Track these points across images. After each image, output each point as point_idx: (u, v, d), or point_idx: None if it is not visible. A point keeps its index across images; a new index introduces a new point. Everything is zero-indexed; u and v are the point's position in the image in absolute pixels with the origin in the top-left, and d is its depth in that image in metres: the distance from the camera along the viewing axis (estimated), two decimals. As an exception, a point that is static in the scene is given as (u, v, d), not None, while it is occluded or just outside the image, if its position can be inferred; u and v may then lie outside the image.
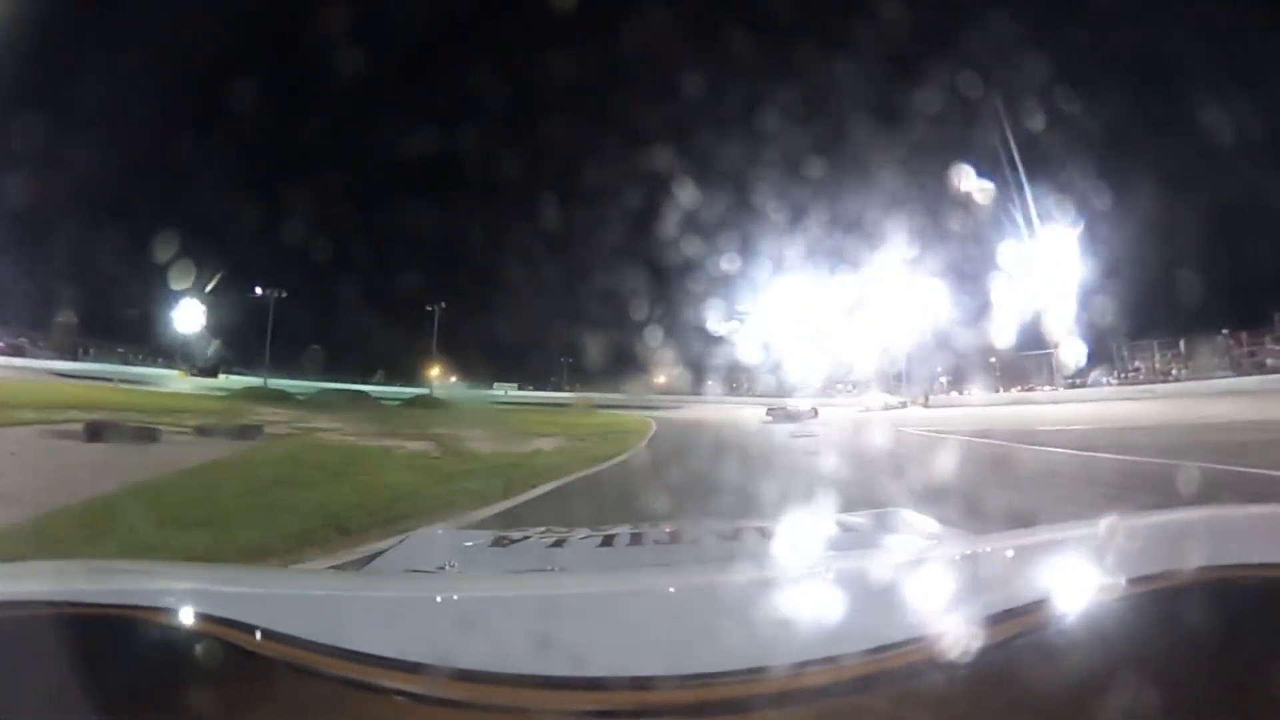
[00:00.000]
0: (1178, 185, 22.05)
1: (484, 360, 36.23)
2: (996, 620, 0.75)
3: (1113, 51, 23.69)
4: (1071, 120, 21.53)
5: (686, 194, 21.99)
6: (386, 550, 1.90)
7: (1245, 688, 0.66)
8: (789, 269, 28.81)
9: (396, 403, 31.32)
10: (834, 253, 27.17)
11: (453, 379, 38.08)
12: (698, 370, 33.97)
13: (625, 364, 32.49)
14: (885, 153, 22.90)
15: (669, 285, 25.45)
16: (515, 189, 29.01)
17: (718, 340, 28.18)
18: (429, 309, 33.99)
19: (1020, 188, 25.75)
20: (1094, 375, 30.57)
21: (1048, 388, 31.60)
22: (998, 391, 33.71)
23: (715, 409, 31.10)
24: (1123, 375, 30.45)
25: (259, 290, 30.70)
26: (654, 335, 26.01)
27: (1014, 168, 25.09)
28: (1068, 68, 21.73)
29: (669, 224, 22.51)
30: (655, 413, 29.68)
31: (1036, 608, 0.79)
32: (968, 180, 25.41)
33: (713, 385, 34.83)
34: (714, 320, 27.32)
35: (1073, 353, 28.27)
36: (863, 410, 31.26)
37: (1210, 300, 22.55)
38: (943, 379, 35.30)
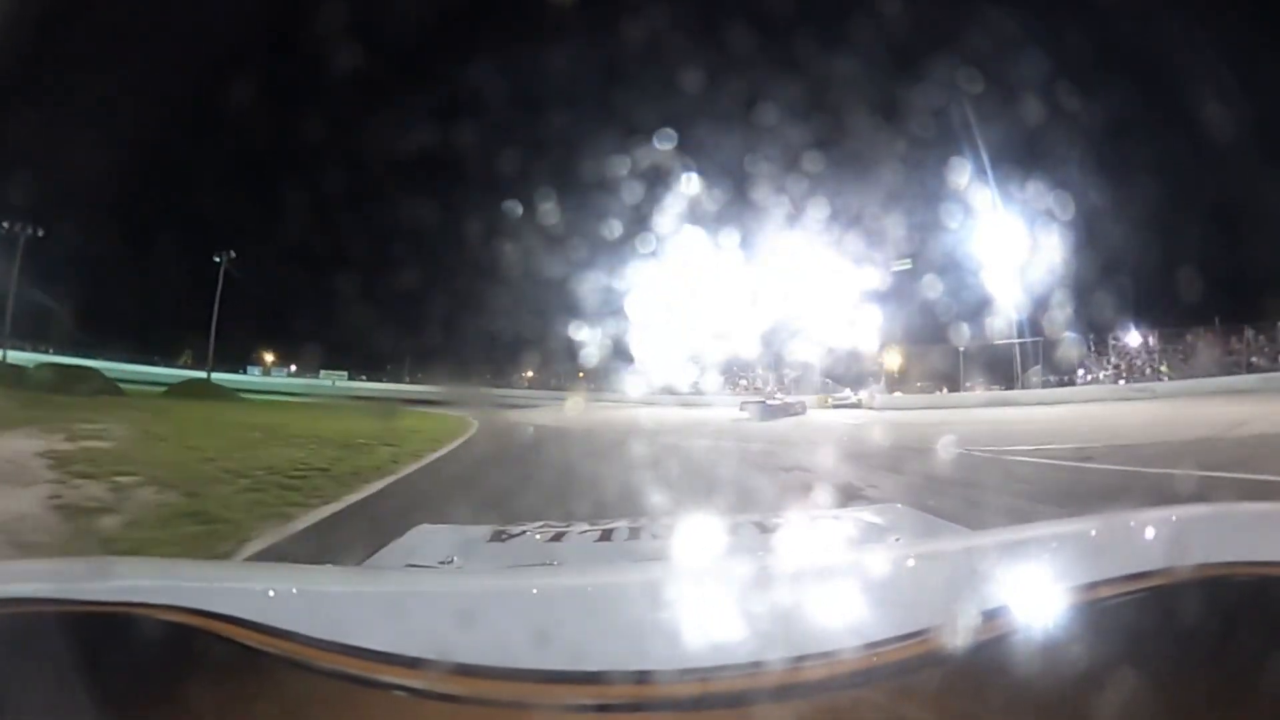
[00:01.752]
0: (1162, 178, 20.23)
1: (318, 343, 28.65)
2: (994, 615, 0.75)
3: (1070, 36, 22.46)
4: (1039, 103, 19.78)
5: (567, 157, 19.05)
6: (387, 546, 1.91)
7: (1243, 684, 0.67)
8: (701, 245, 22.44)
9: (159, 389, 24.43)
10: (754, 230, 21.98)
11: (289, 366, 32.34)
12: (574, 365, 27.38)
13: (487, 354, 27.07)
14: (830, 134, 19.62)
15: (545, 262, 19.90)
16: (350, 113, 21.43)
17: (605, 331, 21.83)
18: (215, 260, 25.17)
19: (983, 173, 23.33)
20: (1076, 372, 27.26)
21: (997, 387, 27.34)
22: (946, 390, 28.42)
23: (590, 412, 23.71)
24: (1105, 372, 27.32)
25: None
26: (523, 321, 21.33)
27: (977, 153, 22.80)
28: (1026, 50, 19.83)
29: (550, 189, 18.92)
30: (508, 414, 22.83)
31: (1035, 603, 0.80)
32: (921, 162, 22.44)
33: (596, 382, 28.17)
34: (603, 307, 20.94)
35: (1052, 347, 25.60)
36: (833, 407, 26.42)
37: (1188, 296, 20.65)
38: (881, 376, 29.17)
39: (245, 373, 31.70)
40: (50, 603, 0.82)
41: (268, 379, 32.17)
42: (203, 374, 27.30)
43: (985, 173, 23.51)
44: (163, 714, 0.67)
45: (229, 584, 1.10)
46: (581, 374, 29.67)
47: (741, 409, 23.95)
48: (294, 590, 1.07)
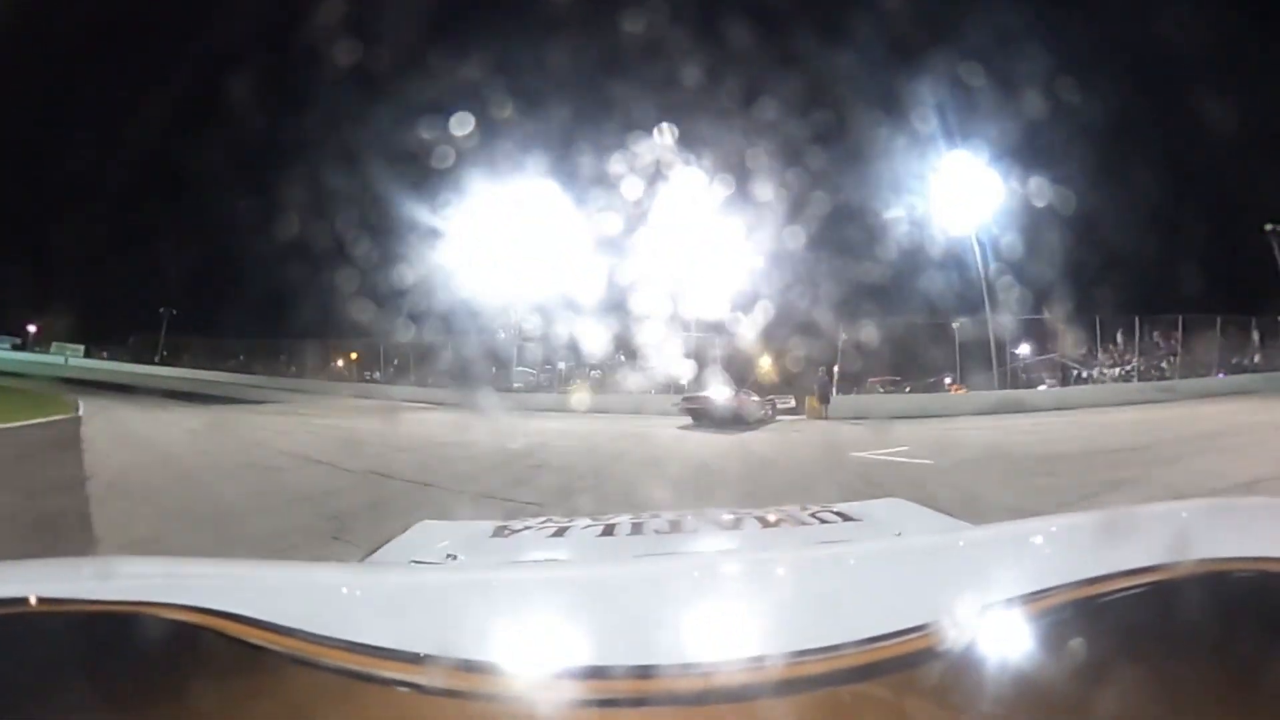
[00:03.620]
0: (1157, 160, 19.30)
1: (63, 312, 23.41)
2: (995, 609, 0.76)
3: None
4: (1013, 76, 18.82)
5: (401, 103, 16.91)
6: (389, 542, 1.91)
7: (1244, 679, 0.67)
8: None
9: None
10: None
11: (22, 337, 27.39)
12: (375, 355, 23.94)
13: (258, 337, 22.73)
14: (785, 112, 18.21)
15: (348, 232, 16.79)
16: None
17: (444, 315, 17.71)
18: None
19: (954, 142, 21.51)
20: (1074, 370, 23.06)
21: (960, 387, 22.05)
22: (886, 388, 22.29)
23: (386, 419, 16.95)
24: (1119, 369, 23.78)
25: None
26: (328, 297, 17.71)
27: (948, 124, 21.15)
28: (1016, 32, 19.20)
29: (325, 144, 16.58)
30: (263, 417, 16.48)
31: (1035, 597, 0.80)
32: (892, 127, 20.56)
33: (428, 377, 23.33)
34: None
35: (1054, 339, 22.36)
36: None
37: (1190, 288, 19.05)
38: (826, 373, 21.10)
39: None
40: (52, 602, 0.82)
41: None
42: None
43: (956, 140, 21.99)
44: (166, 712, 0.67)
45: (231, 581, 1.10)
46: (360, 357, 24.99)
47: (678, 407, 16.46)
48: (296, 587, 1.08)
